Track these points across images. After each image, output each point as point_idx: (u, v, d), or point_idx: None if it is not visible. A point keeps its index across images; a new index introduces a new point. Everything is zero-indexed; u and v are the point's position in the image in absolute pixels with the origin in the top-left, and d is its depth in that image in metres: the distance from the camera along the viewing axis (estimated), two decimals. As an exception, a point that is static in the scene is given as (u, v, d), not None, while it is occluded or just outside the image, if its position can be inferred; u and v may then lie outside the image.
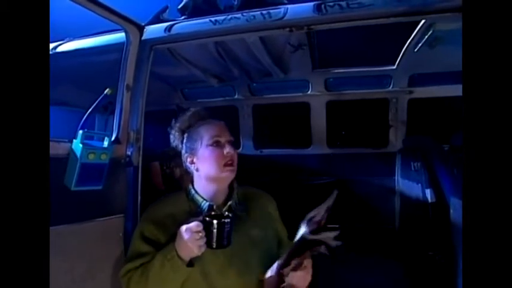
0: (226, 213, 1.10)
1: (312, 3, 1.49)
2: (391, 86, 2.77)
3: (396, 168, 2.84)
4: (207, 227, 1.03)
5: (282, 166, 3.11)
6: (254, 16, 1.52)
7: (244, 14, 1.54)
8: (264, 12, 1.51)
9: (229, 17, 1.55)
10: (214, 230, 1.02)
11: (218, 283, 1.14)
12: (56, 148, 1.16)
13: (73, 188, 1.18)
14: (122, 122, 1.39)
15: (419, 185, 2.30)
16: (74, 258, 1.20)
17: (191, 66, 2.37)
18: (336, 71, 2.73)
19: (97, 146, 1.22)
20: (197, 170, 1.23)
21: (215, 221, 1.03)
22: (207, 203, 1.21)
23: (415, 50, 2.24)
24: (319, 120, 2.95)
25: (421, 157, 2.32)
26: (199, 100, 3.11)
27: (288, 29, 1.46)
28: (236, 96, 3.01)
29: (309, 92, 2.88)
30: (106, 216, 1.33)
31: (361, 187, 3.00)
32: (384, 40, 2.44)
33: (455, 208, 1.85)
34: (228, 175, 1.20)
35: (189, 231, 1.02)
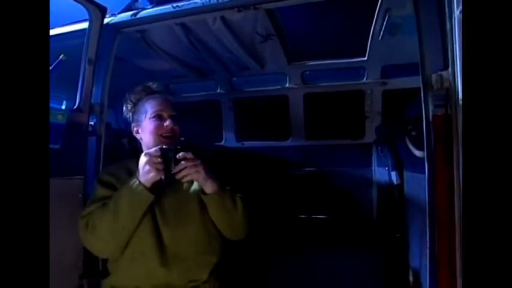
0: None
1: (263, -13, 1.63)
2: (365, 78, 2.86)
3: (372, 158, 2.91)
4: (164, 154, 1.15)
5: (263, 158, 3.21)
6: (210, 0, 1.66)
7: None
8: (220, -4, 1.66)
9: (189, 2, 1.70)
10: (173, 156, 1.15)
11: (165, 233, 1.24)
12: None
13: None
14: (83, 93, 1.54)
15: (387, 168, 2.37)
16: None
17: (169, 58, 2.53)
18: (312, 63, 2.84)
19: (54, 107, 1.36)
20: (141, 139, 1.35)
21: (172, 148, 1.16)
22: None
23: (379, 38, 2.34)
24: (297, 112, 3.05)
25: (388, 142, 2.39)
26: (183, 95, 3.27)
27: (236, 9, 1.59)
28: (218, 91, 3.15)
29: (286, 85, 3.00)
30: (66, 176, 1.46)
31: (340, 178, 3.07)
32: (352, 31, 2.56)
33: (407, 180, 1.92)
34: (166, 144, 1.27)
35: (148, 154, 1.14)
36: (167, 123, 1.29)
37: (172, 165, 1.15)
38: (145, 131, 1.31)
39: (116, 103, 2.47)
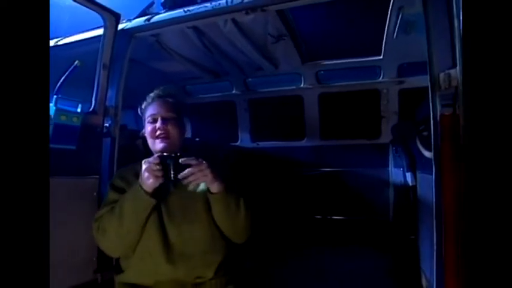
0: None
1: (270, -11, 1.64)
2: (381, 77, 2.81)
3: (389, 158, 2.86)
4: (163, 161, 1.18)
5: (278, 158, 3.22)
6: (220, 3, 1.69)
7: (213, 2, 1.73)
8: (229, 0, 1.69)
9: (199, 6, 1.75)
10: (171, 163, 1.18)
11: (171, 231, 1.28)
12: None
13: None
14: (98, 96, 1.61)
15: (401, 169, 2.33)
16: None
17: (184, 60, 2.59)
18: (326, 63, 2.83)
19: (69, 110, 1.43)
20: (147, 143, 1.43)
21: (172, 155, 1.19)
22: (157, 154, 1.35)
23: (394, 36, 2.30)
24: (312, 112, 3.04)
25: (402, 142, 2.35)
26: (200, 96, 3.33)
27: (244, 12, 1.62)
28: (234, 92, 3.19)
29: (301, 85, 3.00)
30: (81, 176, 1.53)
31: (356, 178, 3.03)
32: (366, 29, 2.53)
33: (419, 182, 1.87)
34: (160, 146, 1.32)
35: (147, 162, 1.19)
36: (158, 125, 1.34)
37: (172, 172, 1.18)
38: (146, 135, 1.39)
39: (135, 104, 2.56)
